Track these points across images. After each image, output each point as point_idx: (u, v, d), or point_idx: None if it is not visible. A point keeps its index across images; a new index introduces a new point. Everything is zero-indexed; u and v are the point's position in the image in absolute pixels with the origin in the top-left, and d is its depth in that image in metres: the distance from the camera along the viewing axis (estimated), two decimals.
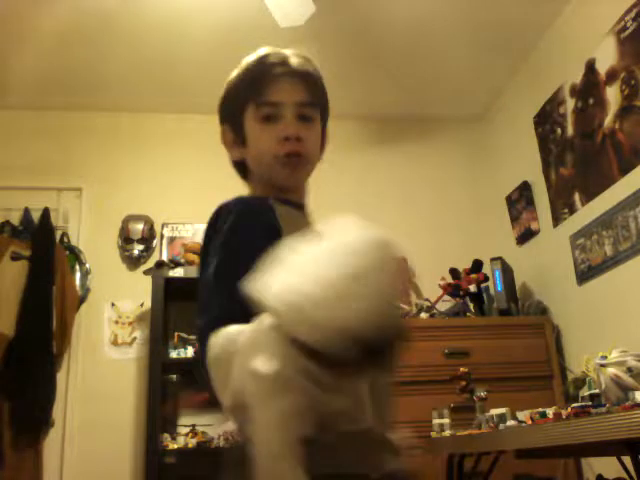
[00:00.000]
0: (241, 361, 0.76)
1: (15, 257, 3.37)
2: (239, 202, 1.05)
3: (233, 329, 0.82)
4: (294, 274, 0.75)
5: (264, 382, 0.73)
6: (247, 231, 0.99)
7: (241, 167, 1.18)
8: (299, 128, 1.09)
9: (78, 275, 3.56)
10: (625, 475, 2.00)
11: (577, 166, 3.12)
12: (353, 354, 0.72)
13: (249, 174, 1.18)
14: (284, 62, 1.13)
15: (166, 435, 3.07)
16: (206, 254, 1.00)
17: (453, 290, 3.48)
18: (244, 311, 0.79)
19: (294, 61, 1.13)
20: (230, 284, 0.88)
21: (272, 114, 1.09)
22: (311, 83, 1.14)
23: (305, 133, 1.10)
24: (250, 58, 1.17)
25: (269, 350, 0.74)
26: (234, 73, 1.18)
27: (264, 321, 0.75)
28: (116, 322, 3.53)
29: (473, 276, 3.48)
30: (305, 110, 1.11)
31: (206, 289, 0.95)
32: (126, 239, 3.64)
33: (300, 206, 1.17)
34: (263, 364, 0.73)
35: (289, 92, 1.10)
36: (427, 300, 3.54)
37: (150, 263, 3.53)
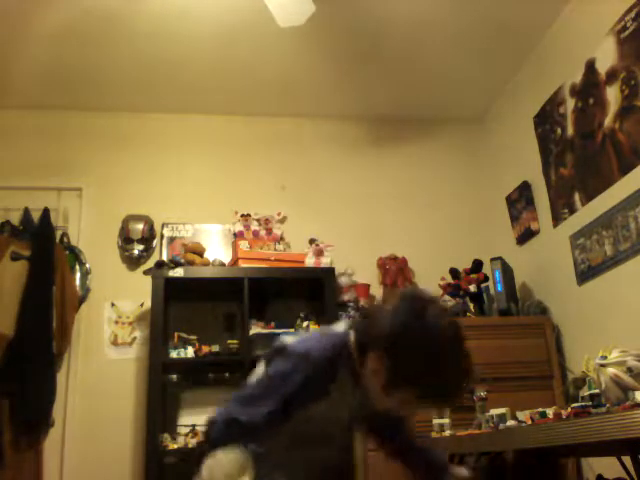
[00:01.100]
0: None
1: (15, 257, 3.37)
2: (324, 351, 1.33)
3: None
4: None
5: None
6: (306, 376, 1.29)
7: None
8: None
9: (78, 275, 3.56)
10: (625, 475, 2.00)
11: (577, 166, 3.12)
12: None
13: (367, 365, 1.32)
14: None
15: (166, 435, 3.07)
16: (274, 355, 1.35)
17: (453, 290, 3.48)
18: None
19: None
20: (281, 402, 1.27)
21: (424, 407, 1.40)
22: None
23: None
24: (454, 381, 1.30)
25: None
26: (440, 369, 1.26)
27: None
28: (116, 322, 3.53)
29: (473, 276, 3.48)
30: None
31: (263, 382, 1.32)
32: (126, 239, 3.64)
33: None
34: None
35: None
36: None
37: (150, 263, 3.54)
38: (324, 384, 1.31)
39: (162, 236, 3.72)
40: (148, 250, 3.66)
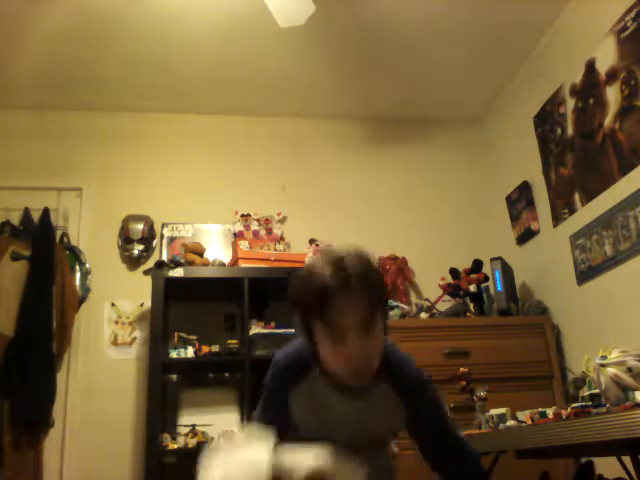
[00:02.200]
0: None
1: (15, 257, 3.37)
2: (285, 355, 1.35)
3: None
4: None
5: None
6: (271, 381, 1.35)
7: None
8: (364, 344, 1.16)
9: (78, 275, 3.55)
10: (625, 475, 2.00)
11: (577, 166, 3.12)
12: None
13: None
14: (345, 283, 1.15)
15: (166, 435, 3.07)
16: None
17: (453, 290, 3.48)
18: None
19: (354, 280, 1.15)
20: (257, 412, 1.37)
21: (337, 335, 1.16)
22: (371, 296, 1.17)
23: (370, 345, 1.17)
24: (314, 273, 1.20)
25: None
26: (301, 280, 1.23)
27: None
28: (116, 322, 3.53)
29: (473, 276, 3.48)
30: (367, 324, 1.16)
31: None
32: (126, 239, 3.64)
33: (353, 389, 1.27)
34: None
35: (351, 314, 1.15)
36: (427, 300, 3.55)
37: (150, 263, 3.53)
38: (281, 391, 1.32)
39: (162, 236, 3.72)
40: (148, 250, 3.66)
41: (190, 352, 3.22)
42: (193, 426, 3.10)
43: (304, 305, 1.21)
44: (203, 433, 3.07)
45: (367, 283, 1.17)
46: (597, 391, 1.72)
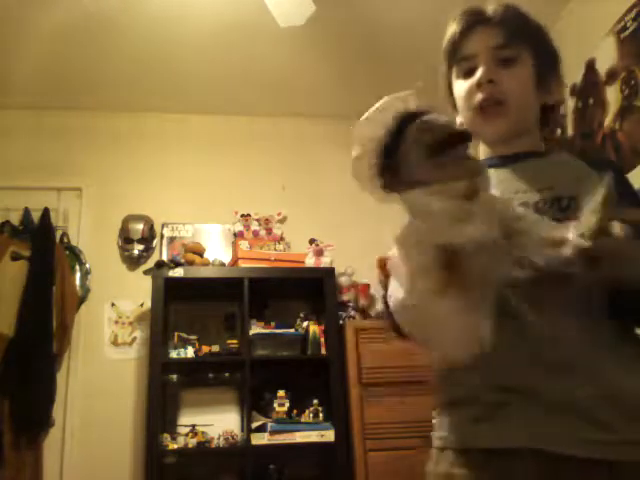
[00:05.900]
0: None
1: (15, 257, 3.37)
2: None
3: None
4: None
5: None
6: None
7: None
8: (494, 71, 1.05)
9: (78, 275, 3.55)
10: None
11: None
12: None
13: None
14: (473, 14, 1.09)
15: (166, 435, 3.07)
16: None
17: None
18: None
19: (485, 9, 1.10)
20: None
21: (470, 68, 1.09)
22: (508, 24, 1.08)
23: (503, 75, 1.06)
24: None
25: None
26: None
27: None
28: (116, 322, 3.53)
29: None
30: (503, 53, 1.07)
31: None
32: (126, 239, 3.64)
33: (514, 157, 1.12)
34: None
35: (480, 41, 1.08)
36: None
37: (150, 263, 3.53)
38: None
39: (162, 236, 3.72)
40: (148, 250, 3.66)
41: (190, 352, 3.22)
42: (193, 426, 3.09)
43: (443, 58, 1.15)
44: (203, 433, 3.07)
45: (500, 10, 1.09)
46: None
